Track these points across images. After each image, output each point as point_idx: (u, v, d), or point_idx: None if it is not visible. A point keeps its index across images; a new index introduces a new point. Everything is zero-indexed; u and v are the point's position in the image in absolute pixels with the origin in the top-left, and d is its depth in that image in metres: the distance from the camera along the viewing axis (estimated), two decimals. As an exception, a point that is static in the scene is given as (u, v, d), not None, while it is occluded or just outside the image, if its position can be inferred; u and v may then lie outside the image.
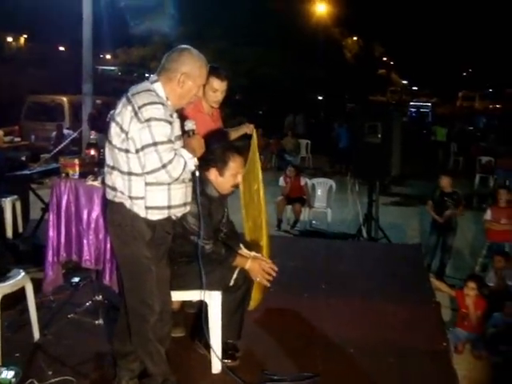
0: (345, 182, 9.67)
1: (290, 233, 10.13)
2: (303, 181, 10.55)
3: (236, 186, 3.89)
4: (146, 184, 3.16)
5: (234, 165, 3.74)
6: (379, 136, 8.07)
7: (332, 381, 3.83)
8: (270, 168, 17.50)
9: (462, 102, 44.81)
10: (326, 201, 10.63)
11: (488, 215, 8.15)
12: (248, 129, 4.71)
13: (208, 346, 3.86)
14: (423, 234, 9.38)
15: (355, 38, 36.86)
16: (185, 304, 4.42)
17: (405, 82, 60.44)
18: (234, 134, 4.76)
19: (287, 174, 10.56)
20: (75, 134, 9.79)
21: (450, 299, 6.73)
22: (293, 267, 6.17)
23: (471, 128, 24.87)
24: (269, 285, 3.89)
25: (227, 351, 3.93)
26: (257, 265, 3.78)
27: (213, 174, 3.72)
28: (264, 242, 4.27)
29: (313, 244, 7.91)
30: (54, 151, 6.57)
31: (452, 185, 8.21)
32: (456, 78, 51.40)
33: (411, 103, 39.00)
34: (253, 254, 3.90)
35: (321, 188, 10.80)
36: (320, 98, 34.74)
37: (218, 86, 4.25)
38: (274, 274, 3.82)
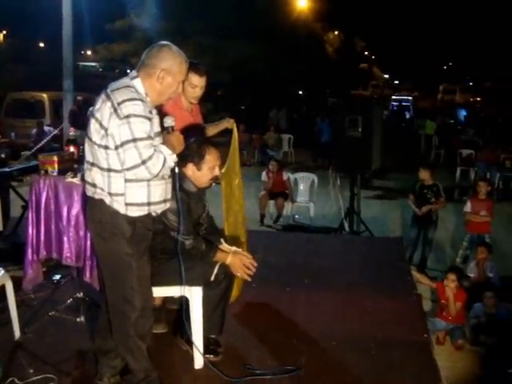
0: (327, 177, 9.69)
1: (273, 227, 10.15)
2: (285, 175, 10.56)
3: (214, 179, 3.89)
4: (126, 181, 3.16)
5: (210, 157, 3.74)
6: (360, 130, 8.11)
7: (314, 374, 3.85)
8: (252, 163, 17.52)
9: (443, 95, 45.06)
10: (308, 195, 10.66)
11: (468, 207, 8.22)
12: (228, 123, 4.72)
13: (190, 342, 3.86)
14: (405, 227, 9.44)
15: (336, 33, 36.92)
16: (167, 300, 4.42)
17: (386, 76, 60.65)
18: (214, 129, 4.76)
19: (269, 168, 10.57)
20: (56, 131, 9.71)
21: (431, 291, 6.79)
22: (275, 262, 6.19)
23: (452, 121, 25.06)
24: (250, 279, 3.89)
25: (209, 346, 3.94)
26: (237, 260, 3.78)
27: (190, 169, 3.72)
28: (244, 237, 4.28)
29: (295, 238, 7.93)
30: (35, 148, 6.52)
31: (432, 177, 8.25)
32: (437, 71, 51.69)
33: (393, 97, 39.17)
34: (233, 248, 3.90)
35: (303, 182, 10.83)
36: (302, 92, 34.79)
37: (197, 82, 4.24)
38: (254, 270, 3.83)
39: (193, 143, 3.68)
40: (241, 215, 4.55)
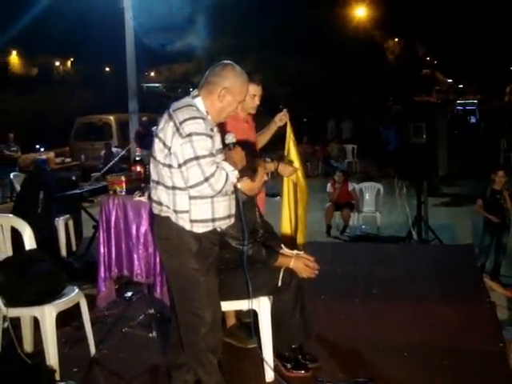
0: (393, 185, 9.57)
1: (340, 239, 10.08)
2: (351, 186, 10.49)
3: (264, 185, 3.94)
4: (190, 198, 3.22)
5: (262, 169, 3.81)
6: (424, 136, 8.00)
7: (386, 385, 3.81)
8: (317, 175, 17.48)
9: (510, 96, 43.69)
10: (374, 205, 10.53)
11: (543, 210, 7.93)
12: (279, 121, 4.57)
13: (278, 355, 3.90)
14: (475, 234, 9.19)
15: (396, 40, 36.49)
16: (241, 315, 4.42)
17: (450, 80, 59.34)
18: (267, 136, 4.65)
19: (335, 179, 10.51)
20: (123, 152, 9.97)
21: (507, 299, 6.58)
22: (343, 273, 6.16)
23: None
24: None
25: (298, 361, 3.92)
26: (300, 263, 3.80)
27: (246, 183, 3.74)
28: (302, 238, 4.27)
29: (363, 249, 7.86)
30: (104, 170, 6.72)
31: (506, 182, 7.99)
32: (503, 72, 50.21)
33: (458, 101, 38.31)
34: (295, 252, 3.91)
35: (369, 192, 10.71)
36: (365, 101, 34.45)
37: (255, 91, 4.23)
38: (317, 272, 3.84)
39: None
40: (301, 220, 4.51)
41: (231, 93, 3.32)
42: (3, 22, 22.24)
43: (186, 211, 3.23)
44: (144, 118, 15.42)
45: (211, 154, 3.17)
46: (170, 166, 3.20)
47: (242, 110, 4.28)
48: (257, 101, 4.31)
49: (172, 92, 29.80)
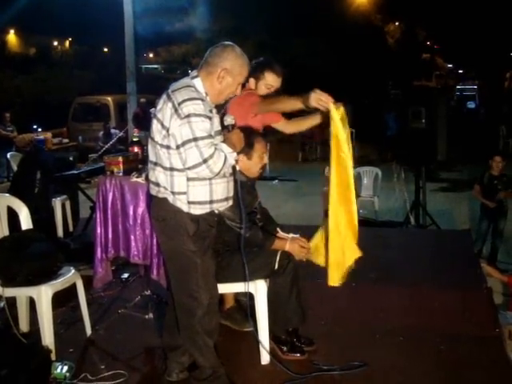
0: (391, 170, 9.55)
1: (337, 223, 10.03)
2: (349, 170, 10.43)
3: (263, 168, 3.88)
4: (188, 179, 3.20)
5: (259, 146, 3.75)
6: (423, 121, 7.99)
7: (382, 370, 3.80)
8: (315, 159, 17.44)
9: (510, 82, 43.56)
10: (372, 189, 10.50)
11: (541, 197, 7.94)
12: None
13: (274, 338, 3.92)
14: (473, 220, 9.20)
15: (397, 24, 36.28)
16: (237, 294, 4.41)
17: (450, 65, 59.09)
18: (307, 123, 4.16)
19: (332, 163, 10.45)
20: (121, 133, 9.92)
21: (503, 284, 6.59)
22: (340, 257, 6.14)
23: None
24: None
25: (294, 343, 3.94)
26: (296, 245, 3.80)
27: (241, 160, 3.69)
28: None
29: (360, 233, 7.80)
30: (101, 151, 6.67)
31: (503, 167, 7.99)
32: (503, 58, 50.01)
33: (458, 87, 38.21)
34: (291, 235, 3.90)
35: (367, 176, 10.65)
36: (364, 85, 34.34)
37: (274, 82, 4.04)
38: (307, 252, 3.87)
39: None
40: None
41: (231, 74, 3.28)
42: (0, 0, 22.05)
43: (184, 193, 3.21)
44: (142, 100, 15.33)
45: (210, 136, 3.15)
46: (168, 147, 3.18)
47: None
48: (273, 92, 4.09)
49: (170, 74, 29.61)
